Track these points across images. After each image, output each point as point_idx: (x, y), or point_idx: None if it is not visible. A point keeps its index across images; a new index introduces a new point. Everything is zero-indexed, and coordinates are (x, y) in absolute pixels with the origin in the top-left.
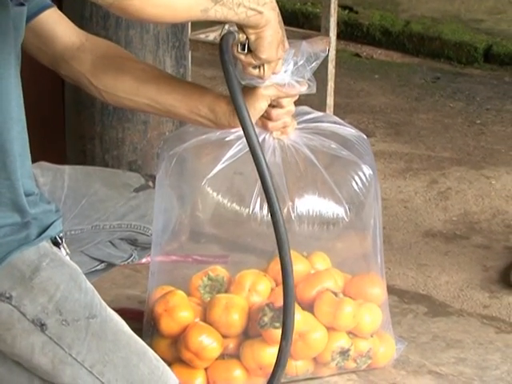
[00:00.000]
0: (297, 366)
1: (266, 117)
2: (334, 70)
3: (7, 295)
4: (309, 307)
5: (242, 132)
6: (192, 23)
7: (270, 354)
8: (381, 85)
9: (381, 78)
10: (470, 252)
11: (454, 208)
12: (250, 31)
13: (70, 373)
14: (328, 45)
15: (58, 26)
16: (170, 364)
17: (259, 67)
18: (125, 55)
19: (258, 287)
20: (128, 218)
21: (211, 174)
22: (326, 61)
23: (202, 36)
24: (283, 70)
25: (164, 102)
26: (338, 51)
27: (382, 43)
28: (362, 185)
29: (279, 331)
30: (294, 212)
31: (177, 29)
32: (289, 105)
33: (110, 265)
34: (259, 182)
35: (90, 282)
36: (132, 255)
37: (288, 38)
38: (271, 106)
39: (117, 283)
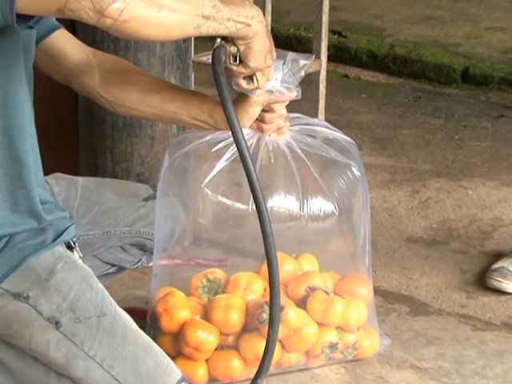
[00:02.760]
0: (290, 358)
1: (260, 120)
2: (324, 90)
3: (25, 295)
4: (300, 304)
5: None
6: (195, 47)
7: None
8: (367, 103)
9: (367, 97)
10: (449, 256)
11: (434, 216)
12: (240, 42)
13: (83, 366)
14: (319, 66)
15: (66, 45)
16: (173, 358)
17: (252, 79)
18: (130, 68)
19: (253, 287)
20: (137, 225)
21: (209, 177)
22: (317, 81)
23: (204, 58)
24: (274, 77)
25: (168, 110)
26: (328, 72)
27: (368, 65)
28: (350, 184)
29: None
30: (286, 207)
31: (181, 51)
32: (280, 109)
33: (121, 268)
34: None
35: (102, 284)
36: (141, 260)
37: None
38: (264, 110)
39: (126, 284)
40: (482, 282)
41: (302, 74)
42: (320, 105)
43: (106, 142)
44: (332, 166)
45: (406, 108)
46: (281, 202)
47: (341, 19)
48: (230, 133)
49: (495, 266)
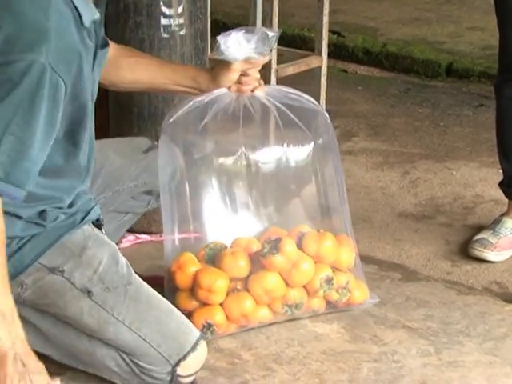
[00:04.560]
0: (294, 296)
1: (238, 83)
2: (325, 83)
3: (60, 269)
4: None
5: (216, 94)
6: (210, 46)
7: (272, 279)
8: (363, 95)
9: (363, 89)
10: (436, 229)
11: (423, 194)
12: None
13: (113, 330)
14: (321, 62)
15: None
16: (192, 312)
17: None
18: (123, 53)
19: (252, 246)
20: (142, 177)
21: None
22: (319, 75)
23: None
24: (250, 46)
25: (156, 83)
26: (328, 68)
27: (364, 61)
28: (321, 128)
29: (277, 257)
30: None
31: (198, 50)
32: (254, 73)
33: (135, 214)
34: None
35: (121, 234)
36: (150, 201)
37: (288, 57)
38: (241, 74)
39: (150, 255)
40: (465, 251)
41: (272, 44)
42: (321, 96)
43: (132, 130)
44: (304, 113)
45: (398, 99)
46: (265, 150)
47: (339, 21)
48: (212, 93)
49: (477, 237)
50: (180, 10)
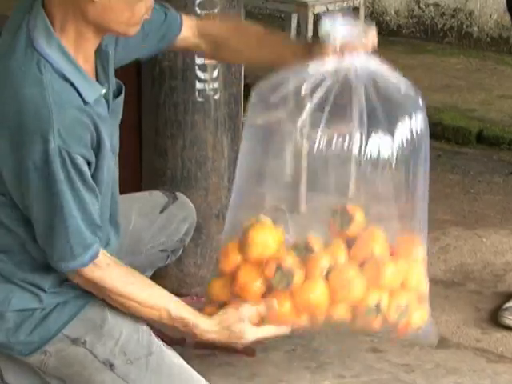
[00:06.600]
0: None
1: None
2: None
3: (82, 340)
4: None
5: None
6: (243, 110)
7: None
8: None
9: None
10: (465, 296)
11: (453, 260)
12: None
13: None
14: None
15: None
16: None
17: None
18: (224, 29)
19: None
20: (157, 238)
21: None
22: None
23: None
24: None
25: (258, 61)
26: None
27: None
28: (414, 131)
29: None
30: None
31: (232, 114)
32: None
33: (153, 268)
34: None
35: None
36: (168, 257)
37: None
38: None
39: None
40: (495, 319)
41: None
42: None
43: None
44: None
45: (428, 165)
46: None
47: None
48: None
49: (506, 305)
50: (215, 74)
